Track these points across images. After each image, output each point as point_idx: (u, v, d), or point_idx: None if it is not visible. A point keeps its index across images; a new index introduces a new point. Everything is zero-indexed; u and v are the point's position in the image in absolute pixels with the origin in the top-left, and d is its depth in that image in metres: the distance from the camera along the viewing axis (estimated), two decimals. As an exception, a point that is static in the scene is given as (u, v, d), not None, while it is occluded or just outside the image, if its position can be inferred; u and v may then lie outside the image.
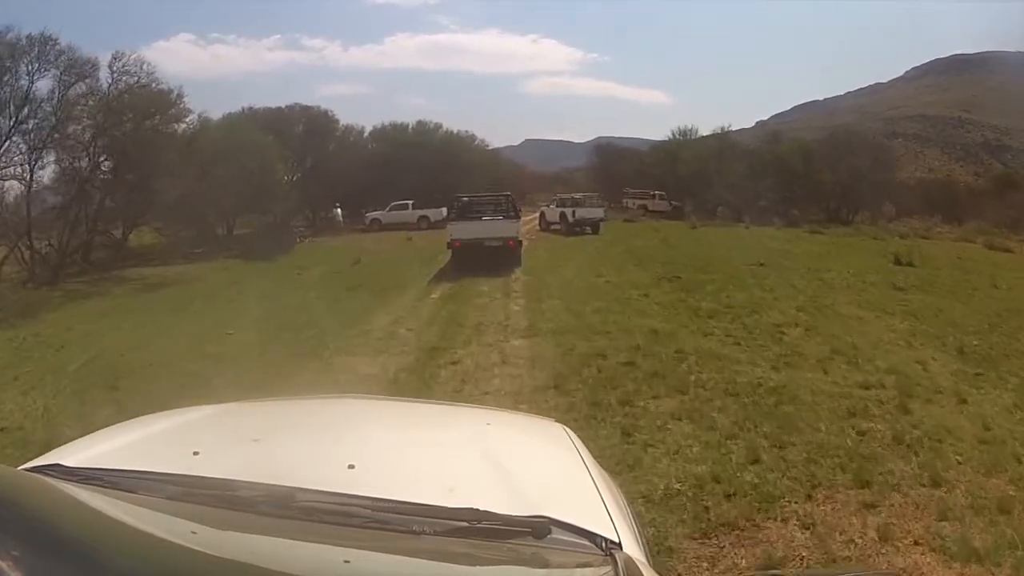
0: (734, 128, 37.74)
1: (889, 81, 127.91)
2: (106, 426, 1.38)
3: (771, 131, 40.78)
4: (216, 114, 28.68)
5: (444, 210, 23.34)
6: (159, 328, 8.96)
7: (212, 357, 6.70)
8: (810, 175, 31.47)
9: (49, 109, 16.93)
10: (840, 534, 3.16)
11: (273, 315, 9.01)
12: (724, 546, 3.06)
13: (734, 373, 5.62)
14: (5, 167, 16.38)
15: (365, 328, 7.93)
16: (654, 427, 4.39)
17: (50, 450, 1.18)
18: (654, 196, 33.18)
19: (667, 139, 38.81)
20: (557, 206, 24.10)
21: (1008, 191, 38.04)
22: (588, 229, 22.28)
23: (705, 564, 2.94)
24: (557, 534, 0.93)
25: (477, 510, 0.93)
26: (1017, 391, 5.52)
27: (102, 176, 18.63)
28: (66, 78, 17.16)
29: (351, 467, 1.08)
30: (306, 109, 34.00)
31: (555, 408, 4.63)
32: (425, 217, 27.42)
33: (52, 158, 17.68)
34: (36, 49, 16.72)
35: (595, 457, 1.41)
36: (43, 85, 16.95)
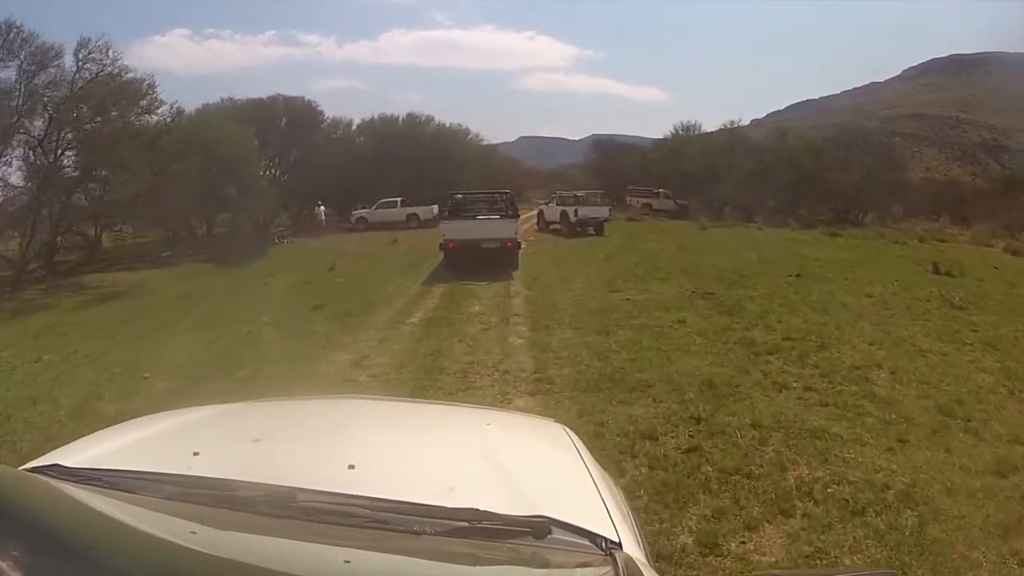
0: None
1: (886, 80, 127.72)
2: None
3: (775, 129, 39.01)
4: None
5: (435, 208, 21.64)
6: (74, 363, 7.15)
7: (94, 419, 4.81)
8: (821, 174, 29.86)
9: (13, 102, 15.82)
10: None
11: (209, 349, 7.17)
12: None
13: (842, 463, 3.90)
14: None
15: (317, 371, 6.00)
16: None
17: None
18: (659, 194, 31.36)
19: (668, 135, 37.06)
20: (557, 204, 22.06)
21: (1015, 192, 37.14)
22: (591, 230, 20.34)
23: None
24: (557, 534, 0.93)
25: (477, 510, 0.93)
26: None
27: (67, 173, 17.27)
28: (28, 67, 16.05)
29: (351, 467, 1.08)
30: (289, 100, 32.00)
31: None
32: (415, 215, 25.96)
33: (17, 154, 16.64)
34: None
35: None
36: (8, 76, 15.96)
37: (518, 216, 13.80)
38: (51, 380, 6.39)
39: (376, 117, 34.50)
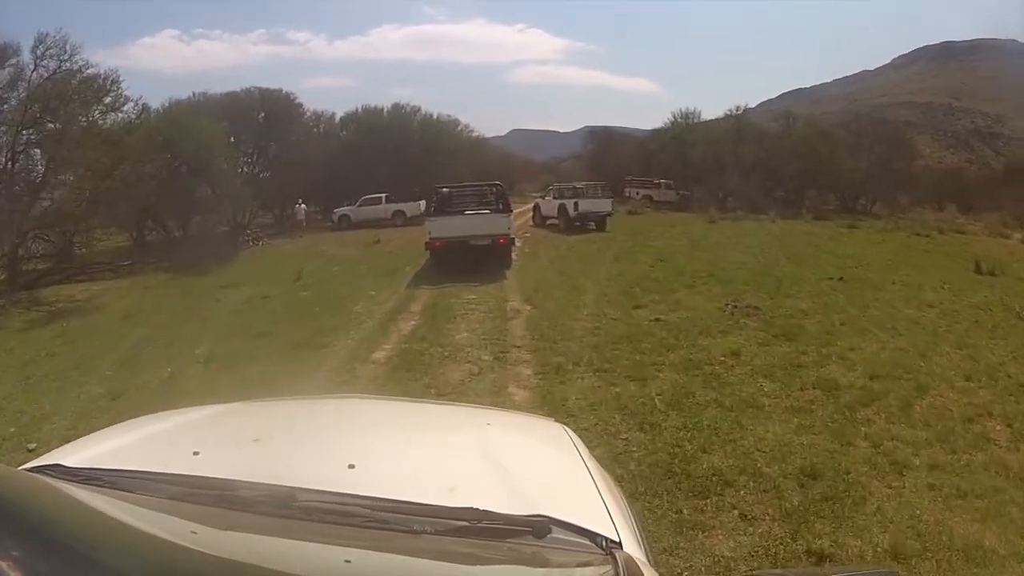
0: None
1: (877, 68, 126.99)
2: None
3: (782, 114, 37.41)
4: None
5: (422, 204, 19.95)
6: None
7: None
8: (834, 162, 28.34)
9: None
10: None
11: (116, 402, 5.42)
12: None
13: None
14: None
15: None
16: None
17: None
18: (660, 185, 29.68)
19: (666, 124, 35.29)
20: (555, 197, 20.32)
21: (1017, 179, 36.14)
22: (592, 225, 18.65)
23: None
24: (557, 533, 0.91)
25: (477, 510, 0.92)
26: None
27: (27, 176, 15.99)
28: (-17, 66, 14.94)
29: (351, 467, 1.07)
30: (266, 93, 30.05)
31: None
32: (401, 212, 24.39)
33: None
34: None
35: None
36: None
37: (511, 210, 12.50)
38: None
39: (360, 109, 32.57)
